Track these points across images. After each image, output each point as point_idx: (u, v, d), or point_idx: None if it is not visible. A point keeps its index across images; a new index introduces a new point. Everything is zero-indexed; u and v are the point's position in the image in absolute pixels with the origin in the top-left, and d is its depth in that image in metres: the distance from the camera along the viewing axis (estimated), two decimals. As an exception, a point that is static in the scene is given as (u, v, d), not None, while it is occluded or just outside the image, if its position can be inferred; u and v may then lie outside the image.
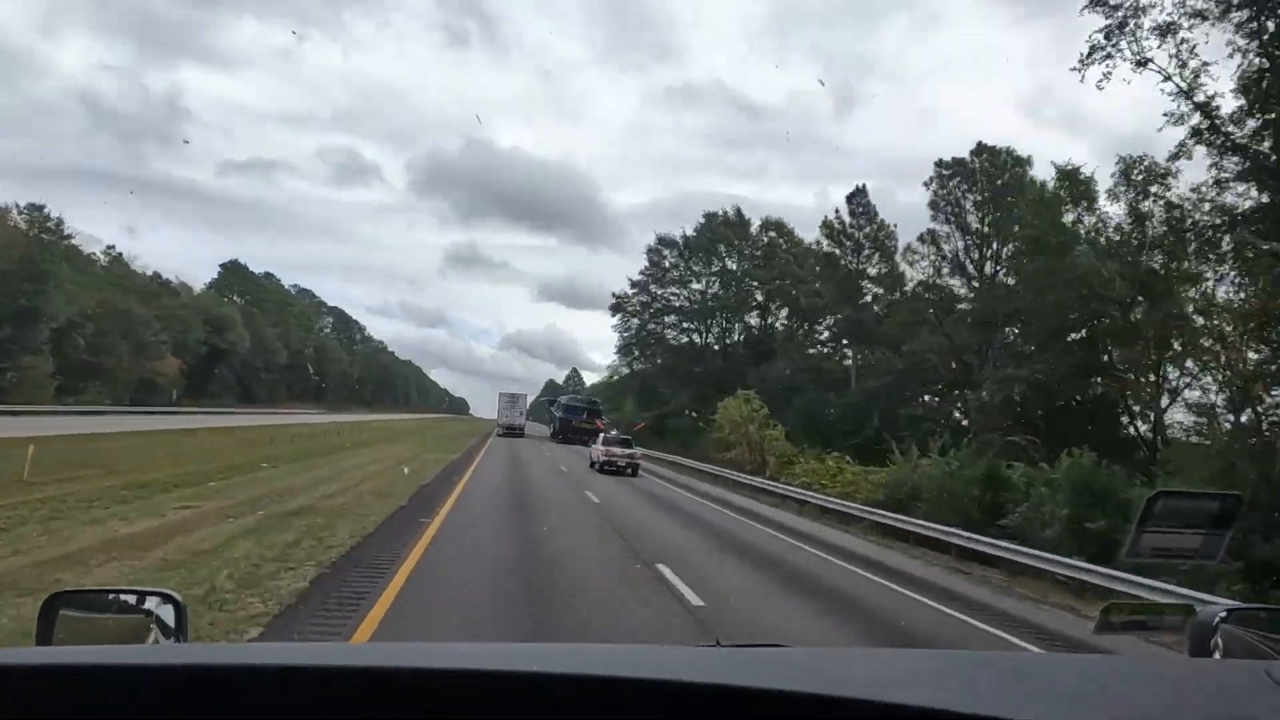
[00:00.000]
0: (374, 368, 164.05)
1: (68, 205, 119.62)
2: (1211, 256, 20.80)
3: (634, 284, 53.87)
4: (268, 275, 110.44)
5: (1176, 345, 21.11)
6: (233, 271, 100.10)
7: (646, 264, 53.08)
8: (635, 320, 54.24)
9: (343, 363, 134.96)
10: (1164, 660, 1.76)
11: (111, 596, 1.63)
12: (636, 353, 75.47)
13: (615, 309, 54.15)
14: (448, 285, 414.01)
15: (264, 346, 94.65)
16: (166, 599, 1.43)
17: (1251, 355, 17.06)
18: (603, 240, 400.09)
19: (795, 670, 1.09)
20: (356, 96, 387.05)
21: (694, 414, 48.74)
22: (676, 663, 1.08)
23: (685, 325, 53.04)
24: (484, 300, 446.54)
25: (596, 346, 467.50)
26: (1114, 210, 24.41)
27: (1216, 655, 1.43)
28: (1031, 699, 1.01)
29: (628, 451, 30.02)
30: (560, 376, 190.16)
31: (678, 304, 52.37)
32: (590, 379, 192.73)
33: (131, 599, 1.50)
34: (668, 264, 52.77)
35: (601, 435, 33.83)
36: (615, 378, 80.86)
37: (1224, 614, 1.49)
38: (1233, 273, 20.20)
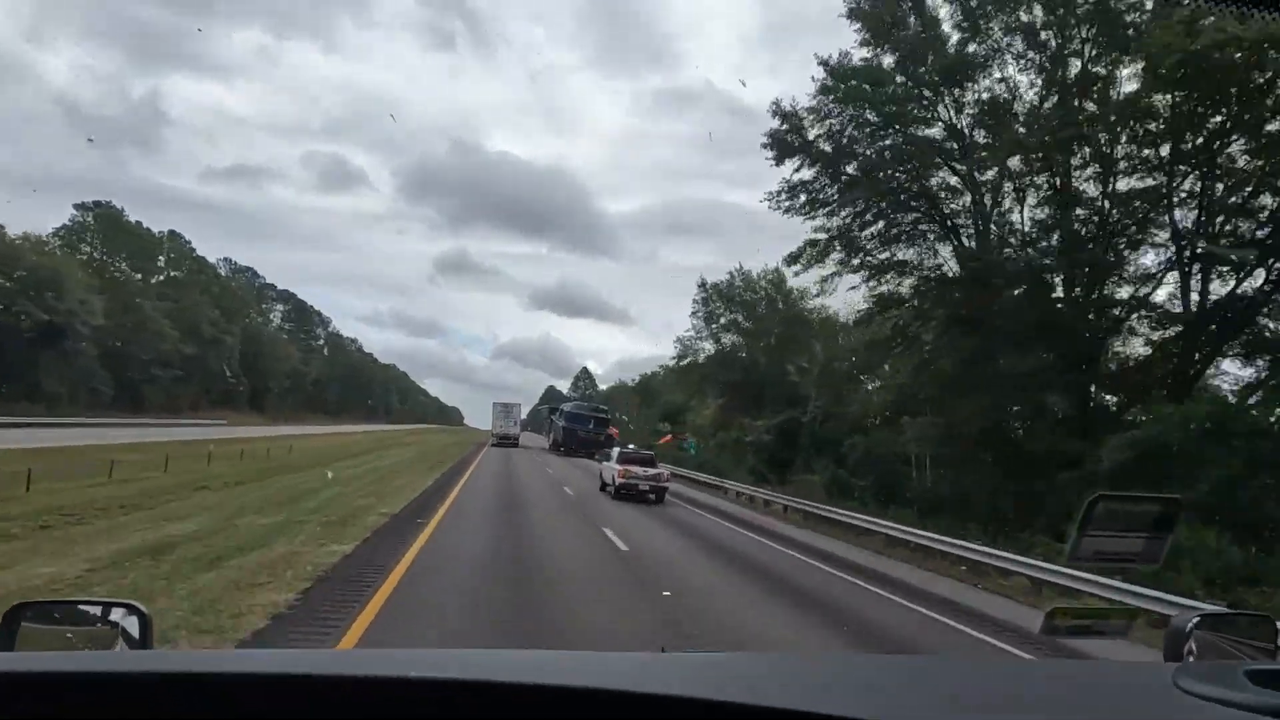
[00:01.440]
0: (340, 369, 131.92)
1: (50, 212, 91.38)
2: None
3: (826, 87, 20.14)
4: (172, 235, 79.04)
5: None
6: (105, 219, 68.51)
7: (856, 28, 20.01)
8: (826, 183, 21.08)
9: (290, 360, 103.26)
10: (1084, 666, 1.35)
11: (75, 607, 1.50)
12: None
13: (780, 148, 20.72)
14: (439, 294, 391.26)
15: (145, 328, 63.45)
16: (131, 610, 1.38)
17: None
18: (595, 247, 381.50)
19: (726, 678, 1.09)
20: (342, 102, 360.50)
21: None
22: (607, 670, 1.07)
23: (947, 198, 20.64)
24: (476, 309, 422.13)
25: (591, 356, 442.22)
26: None
27: (1190, 660, 1.45)
28: (919, 704, 1.02)
29: (652, 472, 22.56)
30: (564, 385, 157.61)
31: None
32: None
33: (96, 610, 1.42)
34: (916, 28, 19.26)
35: (617, 451, 24.70)
36: (685, 359, 48.54)
37: (1197, 619, 1.51)
38: None
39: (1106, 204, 19.39)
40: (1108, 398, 21.85)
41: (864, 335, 27.26)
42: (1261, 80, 15.21)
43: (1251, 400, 17.07)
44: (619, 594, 9.35)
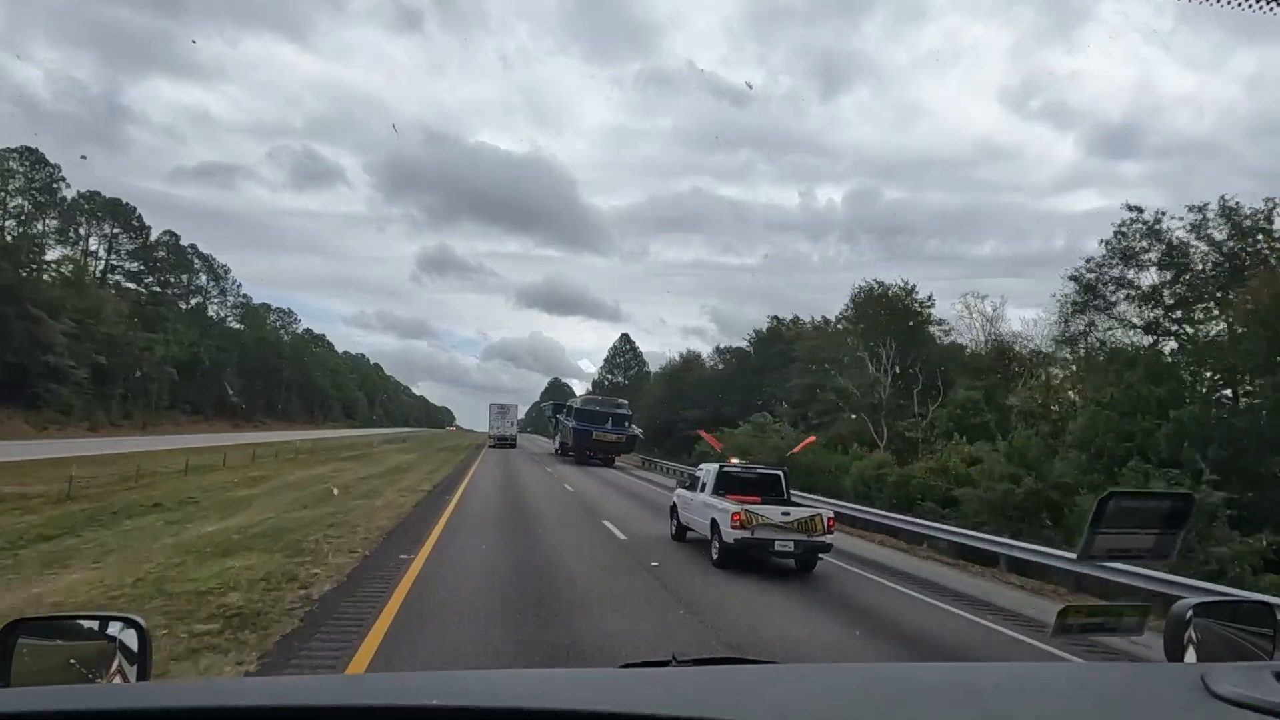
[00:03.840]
0: (261, 354, 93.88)
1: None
2: None
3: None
4: None
5: None
6: None
7: None
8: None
9: (112, 324, 55.38)
10: (1112, 669, 1.42)
11: (73, 623, 1.49)
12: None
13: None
14: (427, 295, 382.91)
15: None
16: (129, 624, 1.36)
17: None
18: (582, 243, 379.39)
19: (733, 693, 1.06)
20: (322, 101, 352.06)
21: None
22: (611, 688, 1.03)
23: None
24: (465, 309, 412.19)
25: (582, 354, 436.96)
26: None
27: (1191, 649, 1.46)
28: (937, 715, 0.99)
29: (796, 514, 11.32)
30: (578, 386, 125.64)
31: None
32: (579, 388, 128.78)
33: (94, 625, 1.40)
34: None
35: (714, 471, 13.18)
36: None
37: (1194, 607, 1.51)
38: None
39: None
40: None
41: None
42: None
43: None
44: None
